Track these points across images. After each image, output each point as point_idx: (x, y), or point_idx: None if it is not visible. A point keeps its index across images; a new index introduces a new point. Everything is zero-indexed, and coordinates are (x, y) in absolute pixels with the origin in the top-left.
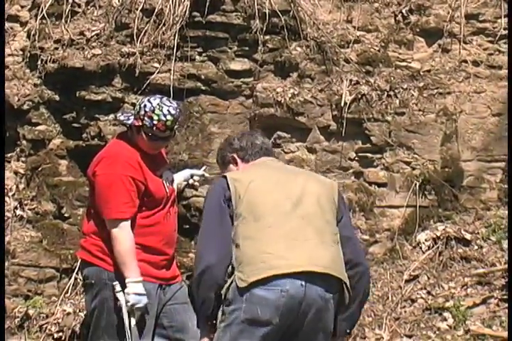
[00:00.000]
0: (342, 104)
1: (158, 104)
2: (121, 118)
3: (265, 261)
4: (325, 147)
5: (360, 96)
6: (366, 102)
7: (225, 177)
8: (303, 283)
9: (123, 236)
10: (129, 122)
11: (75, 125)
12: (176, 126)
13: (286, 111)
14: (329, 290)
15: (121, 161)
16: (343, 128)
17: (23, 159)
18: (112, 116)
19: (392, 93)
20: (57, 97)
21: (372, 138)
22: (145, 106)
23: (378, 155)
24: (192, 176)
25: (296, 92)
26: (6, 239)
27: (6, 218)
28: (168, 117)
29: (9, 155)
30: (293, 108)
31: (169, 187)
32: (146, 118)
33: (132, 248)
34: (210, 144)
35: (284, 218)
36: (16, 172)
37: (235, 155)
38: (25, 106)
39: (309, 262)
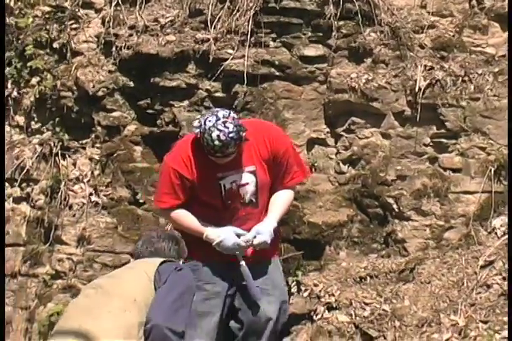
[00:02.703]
0: (416, 89)
1: (209, 128)
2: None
3: None
4: (399, 133)
5: (434, 81)
6: (441, 88)
7: None
8: None
9: (171, 217)
10: (196, 131)
11: (150, 111)
12: (230, 149)
13: (361, 97)
14: None
15: (174, 153)
16: (418, 113)
17: (98, 145)
18: (186, 102)
19: (466, 78)
20: (131, 84)
21: (446, 123)
22: (200, 125)
23: (453, 141)
24: (238, 236)
25: (370, 78)
26: (82, 225)
27: (81, 204)
28: (216, 143)
29: (84, 141)
30: (367, 93)
31: (231, 189)
32: (199, 136)
33: (185, 215)
34: (284, 130)
35: None
36: (90, 159)
37: None
38: (100, 93)
39: None
